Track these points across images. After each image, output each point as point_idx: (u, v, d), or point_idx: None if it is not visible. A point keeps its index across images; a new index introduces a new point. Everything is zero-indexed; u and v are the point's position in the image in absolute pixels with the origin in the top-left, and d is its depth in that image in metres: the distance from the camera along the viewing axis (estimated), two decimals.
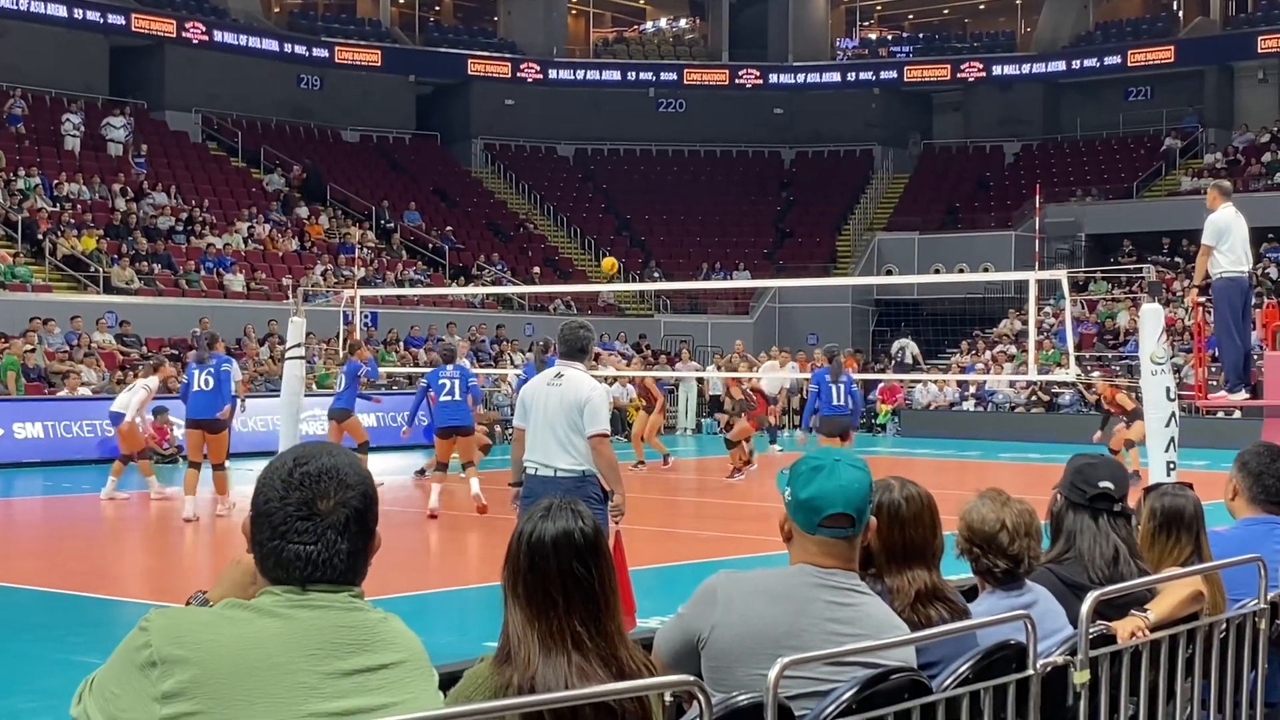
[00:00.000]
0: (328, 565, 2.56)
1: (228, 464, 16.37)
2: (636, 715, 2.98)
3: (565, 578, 3.12)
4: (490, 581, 11.51)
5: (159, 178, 36.97)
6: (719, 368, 33.07)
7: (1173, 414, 14.60)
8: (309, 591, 2.55)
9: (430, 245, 40.55)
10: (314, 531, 2.55)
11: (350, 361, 19.50)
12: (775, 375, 28.25)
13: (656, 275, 42.41)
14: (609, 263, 23.28)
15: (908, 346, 39.21)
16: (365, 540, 2.62)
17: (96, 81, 40.36)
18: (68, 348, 27.22)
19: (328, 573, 2.56)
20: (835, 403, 18.05)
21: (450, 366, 17.16)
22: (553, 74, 47.83)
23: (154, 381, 19.10)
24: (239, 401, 17.50)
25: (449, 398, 16.87)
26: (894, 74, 48.43)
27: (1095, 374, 21.44)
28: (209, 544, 14.61)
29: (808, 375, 31.61)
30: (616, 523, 8.58)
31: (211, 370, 16.04)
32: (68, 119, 37.01)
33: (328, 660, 2.48)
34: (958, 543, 4.28)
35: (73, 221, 32.54)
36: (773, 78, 48.61)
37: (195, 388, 16.06)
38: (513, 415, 9.73)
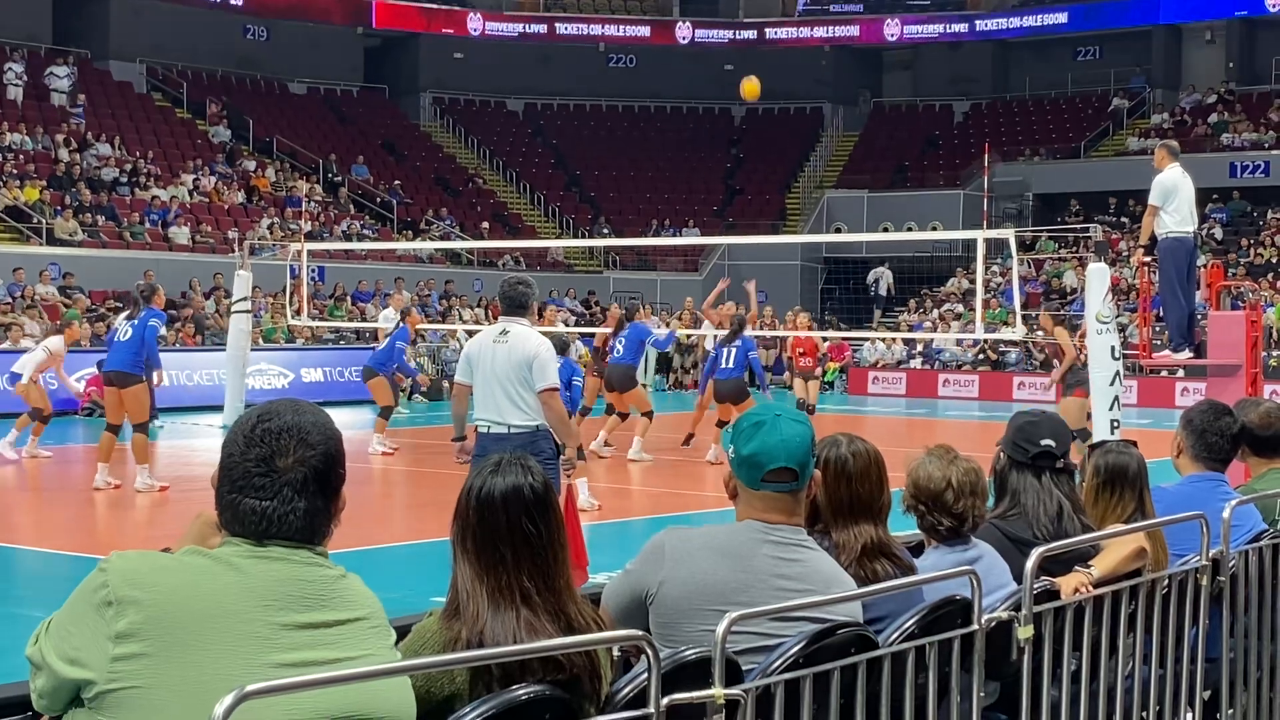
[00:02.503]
0: (283, 522, 2.55)
1: (156, 425, 15.84)
2: (585, 670, 2.99)
3: (514, 533, 3.12)
4: (438, 536, 11.51)
5: (103, 128, 36.49)
6: (667, 325, 33.11)
7: (1117, 373, 14.74)
8: (267, 545, 2.54)
9: (378, 199, 40.29)
10: (271, 488, 2.56)
11: (402, 327, 19.52)
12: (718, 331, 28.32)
13: (606, 231, 42.31)
14: (751, 88, 22.22)
15: (883, 276, 39.38)
16: (326, 499, 2.62)
17: (39, 30, 39.72)
18: (10, 299, 26.92)
19: (283, 529, 2.56)
20: (724, 365, 17.69)
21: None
22: (503, 28, 47.48)
23: (56, 342, 17.94)
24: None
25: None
26: (844, 31, 48.33)
27: (1037, 312, 21.39)
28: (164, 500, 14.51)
29: (761, 333, 31.88)
30: (569, 476, 8.59)
31: (136, 323, 14.43)
32: (10, 68, 36.42)
33: (283, 612, 2.49)
34: (904, 499, 4.32)
35: (15, 172, 32.11)
36: (723, 34, 48.44)
37: (116, 339, 14.74)
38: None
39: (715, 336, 25.95)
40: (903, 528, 4.40)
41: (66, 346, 18.22)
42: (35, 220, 30.63)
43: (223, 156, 38.64)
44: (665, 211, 44.80)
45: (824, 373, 34.45)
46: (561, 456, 8.61)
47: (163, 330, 16.96)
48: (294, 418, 2.61)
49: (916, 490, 4.28)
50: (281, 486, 2.56)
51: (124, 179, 34.56)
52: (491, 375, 8.56)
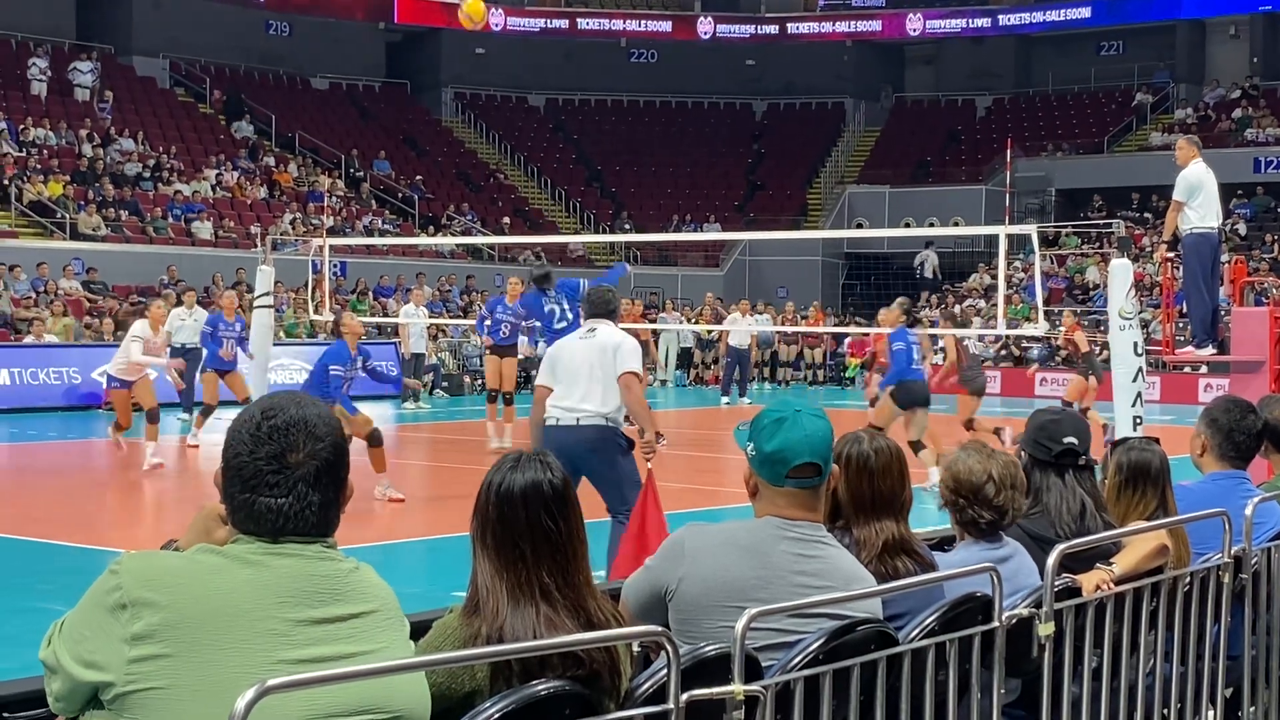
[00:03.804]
0: (299, 518, 2.55)
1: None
2: (605, 665, 2.99)
3: (534, 529, 3.12)
4: (457, 531, 11.53)
5: (126, 124, 36.63)
6: (689, 320, 33.13)
7: (1140, 369, 14.68)
8: (280, 541, 2.54)
9: (400, 195, 40.34)
10: (285, 485, 2.55)
11: (335, 343, 19.40)
12: (741, 327, 28.31)
13: (627, 227, 42.30)
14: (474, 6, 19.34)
15: (928, 259, 39.26)
16: (337, 491, 2.61)
17: (63, 25, 39.88)
18: (34, 294, 27.02)
19: (300, 525, 2.55)
20: (914, 366, 15.50)
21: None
22: (525, 23, 47.49)
23: (141, 326, 16.12)
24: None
25: None
26: (866, 26, 48.22)
27: (1064, 312, 21.39)
28: (176, 491, 14.57)
29: (782, 328, 31.86)
30: (649, 460, 8.40)
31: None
32: (34, 63, 36.59)
33: (298, 608, 2.49)
34: (941, 493, 4.30)
35: (39, 167, 32.26)
36: (745, 29, 48.39)
37: None
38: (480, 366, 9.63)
39: (750, 333, 25.73)
40: (923, 525, 4.39)
41: (156, 330, 16.19)
42: (59, 215, 30.74)
43: (245, 152, 38.74)
44: (686, 207, 44.78)
45: (845, 368, 34.50)
46: (642, 440, 8.53)
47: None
48: (298, 411, 2.59)
49: (957, 484, 4.24)
50: (295, 483, 2.55)
51: (147, 174, 34.68)
52: (574, 368, 8.55)
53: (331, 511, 2.60)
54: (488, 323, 18.05)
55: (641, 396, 8.69)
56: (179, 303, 22.19)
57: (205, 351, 18.74)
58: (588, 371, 8.50)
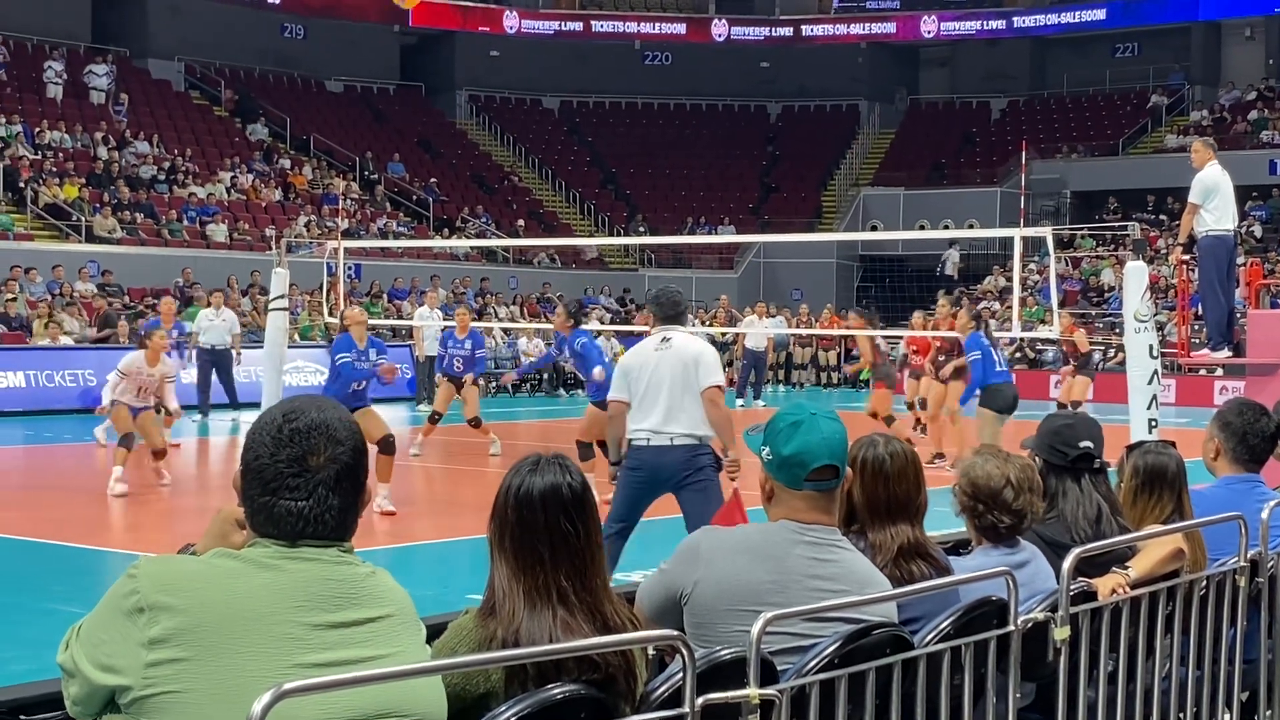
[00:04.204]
0: (319, 521, 2.56)
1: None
2: (621, 669, 2.99)
3: (552, 532, 3.11)
4: (471, 534, 11.53)
5: (141, 126, 36.73)
6: (703, 323, 33.11)
7: (1155, 371, 14.64)
8: (298, 545, 2.55)
9: (414, 197, 40.39)
10: (305, 488, 2.55)
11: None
12: (757, 329, 28.31)
13: (641, 229, 42.31)
14: None
15: (950, 257, 39.16)
16: (355, 495, 2.62)
17: (79, 29, 40.00)
18: (49, 297, 27.10)
19: (319, 529, 2.56)
20: (998, 369, 15.04)
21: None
22: (539, 26, 47.53)
23: (131, 360, 14.44)
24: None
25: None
26: (881, 28, 48.18)
27: (1061, 313, 21.40)
28: (195, 496, 14.59)
29: (798, 331, 31.85)
30: (734, 479, 8.02)
31: None
32: (50, 66, 36.72)
33: (314, 613, 2.49)
34: (958, 499, 4.28)
35: (54, 170, 32.35)
36: (759, 31, 48.37)
37: None
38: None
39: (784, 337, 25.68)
40: (938, 528, 4.39)
41: (151, 363, 14.36)
42: (74, 218, 30.83)
43: (260, 154, 38.82)
44: (701, 209, 44.77)
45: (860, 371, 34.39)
46: (725, 459, 8.23)
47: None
48: (319, 414, 2.60)
49: (975, 489, 4.21)
50: (316, 486, 2.55)
51: (162, 177, 34.77)
52: (654, 384, 8.18)
53: (350, 515, 2.61)
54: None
55: (728, 412, 8.43)
56: (186, 303, 22.26)
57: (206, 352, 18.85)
58: (669, 387, 8.15)
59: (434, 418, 17.77)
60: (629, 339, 27.42)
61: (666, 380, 8.16)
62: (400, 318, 30.00)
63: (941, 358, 17.46)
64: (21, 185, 31.10)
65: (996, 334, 17.49)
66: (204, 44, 41.57)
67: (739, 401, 27.71)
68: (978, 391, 14.95)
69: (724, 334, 31.56)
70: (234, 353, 21.91)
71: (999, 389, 14.66)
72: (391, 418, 21.02)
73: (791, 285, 40.42)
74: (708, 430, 8.20)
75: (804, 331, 31.81)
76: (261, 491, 2.56)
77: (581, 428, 14.37)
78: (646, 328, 19.72)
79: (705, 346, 8.46)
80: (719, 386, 8.24)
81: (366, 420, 12.40)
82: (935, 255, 40.32)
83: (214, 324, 21.93)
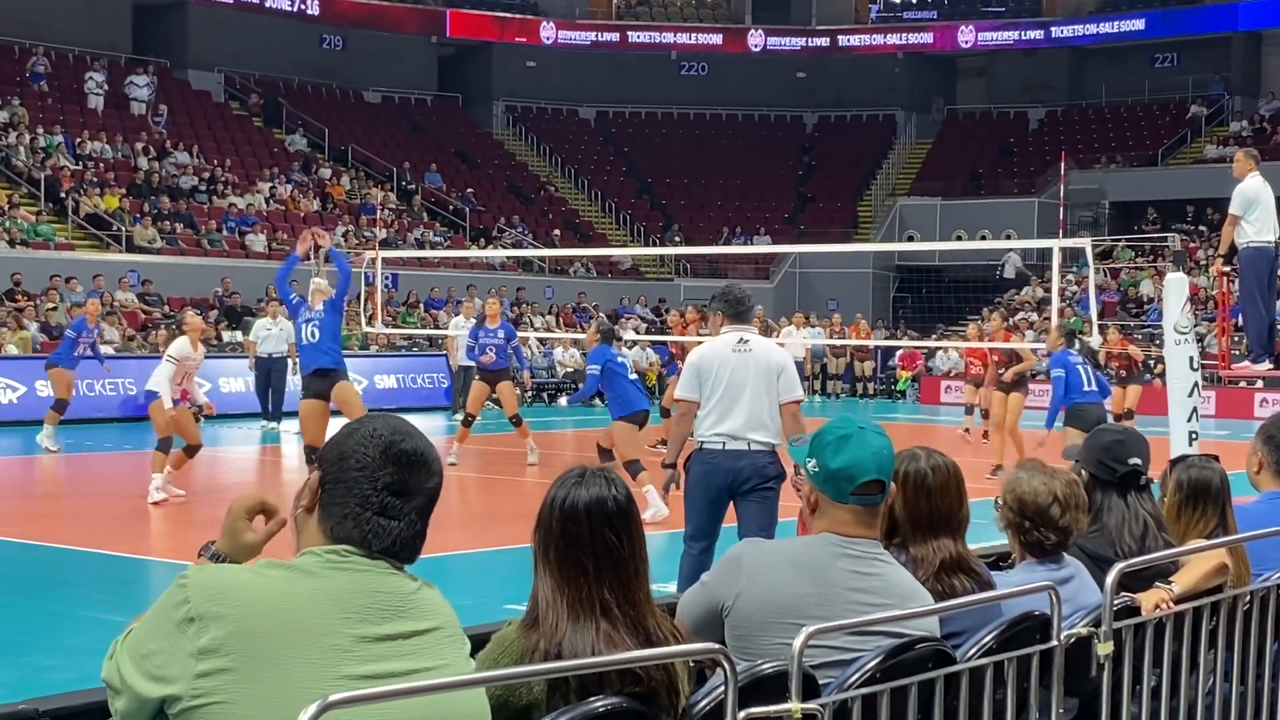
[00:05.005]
0: (406, 545, 2.63)
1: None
2: (663, 683, 2.98)
3: (597, 545, 3.12)
4: (509, 544, 11.55)
5: (181, 137, 36.98)
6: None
7: (1196, 384, 14.54)
8: (350, 556, 2.57)
9: (451, 207, 40.52)
10: (401, 510, 2.62)
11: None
12: (795, 340, 28.26)
13: (677, 239, 42.34)
14: None
15: (1010, 259, 38.97)
16: (427, 525, 2.69)
17: (120, 40, 40.32)
18: None
19: (404, 551, 2.63)
20: (1086, 388, 14.49)
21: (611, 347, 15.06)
22: (575, 36, 47.64)
23: (180, 346, 14.27)
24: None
25: (634, 377, 15.33)
26: (918, 38, 48.08)
27: (1109, 328, 21.32)
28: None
29: (833, 341, 31.78)
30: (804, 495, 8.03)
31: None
32: (91, 77, 37.01)
33: (362, 624, 2.51)
34: (1003, 514, 4.25)
35: (95, 180, 32.59)
36: (796, 41, 48.35)
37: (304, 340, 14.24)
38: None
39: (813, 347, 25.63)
40: (979, 540, 4.37)
41: (194, 346, 14.30)
42: (115, 228, 31.06)
43: (298, 165, 39.02)
44: (736, 219, 44.76)
45: (895, 381, 34.36)
46: (796, 474, 8.13)
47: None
48: (422, 443, 2.67)
49: (1021, 506, 4.18)
50: (410, 510, 2.62)
51: (202, 187, 34.98)
52: (735, 387, 7.99)
53: (422, 541, 2.68)
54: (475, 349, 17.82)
55: (806, 427, 8.10)
56: (225, 312, 22.39)
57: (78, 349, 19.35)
58: (751, 392, 7.98)
59: (468, 420, 17.66)
60: (662, 349, 27.44)
61: (749, 385, 7.99)
62: (436, 327, 30.08)
63: (1000, 370, 17.46)
64: (63, 195, 31.33)
65: (1034, 344, 17.39)
66: (243, 55, 41.84)
67: None
68: (1062, 409, 14.70)
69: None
70: (290, 361, 22.08)
71: (1083, 409, 14.29)
72: (426, 427, 21.11)
73: (827, 296, 40.34)
74: (779, 440, 8.03)
75: (841, 342, 31.74)
76: (359, 503, 2.60)
77: (611, 439, 14.49)
78: (683, 337, 19.57)
79: (787, 356, 8.39)
80: (800, 400, 8.20)
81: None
82: (972, 265, 40.13)
83: (271, 333, 22.22)
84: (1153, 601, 4.19)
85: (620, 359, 15.06)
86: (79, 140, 34.11)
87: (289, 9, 42.45)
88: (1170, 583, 4.30)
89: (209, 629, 2.42)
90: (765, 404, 7.99)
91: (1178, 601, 4.26)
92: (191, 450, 14.37)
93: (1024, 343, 15.33)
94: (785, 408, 8.04)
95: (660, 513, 12.17)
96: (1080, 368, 14.57)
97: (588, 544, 3.12)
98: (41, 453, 18.47)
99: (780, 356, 8.25)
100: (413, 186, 40.72)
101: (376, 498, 2.59)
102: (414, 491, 2.62)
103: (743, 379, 7.99)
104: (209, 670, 2.40)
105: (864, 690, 3.24)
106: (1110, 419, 14.44)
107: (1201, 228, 38.04)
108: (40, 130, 33.54)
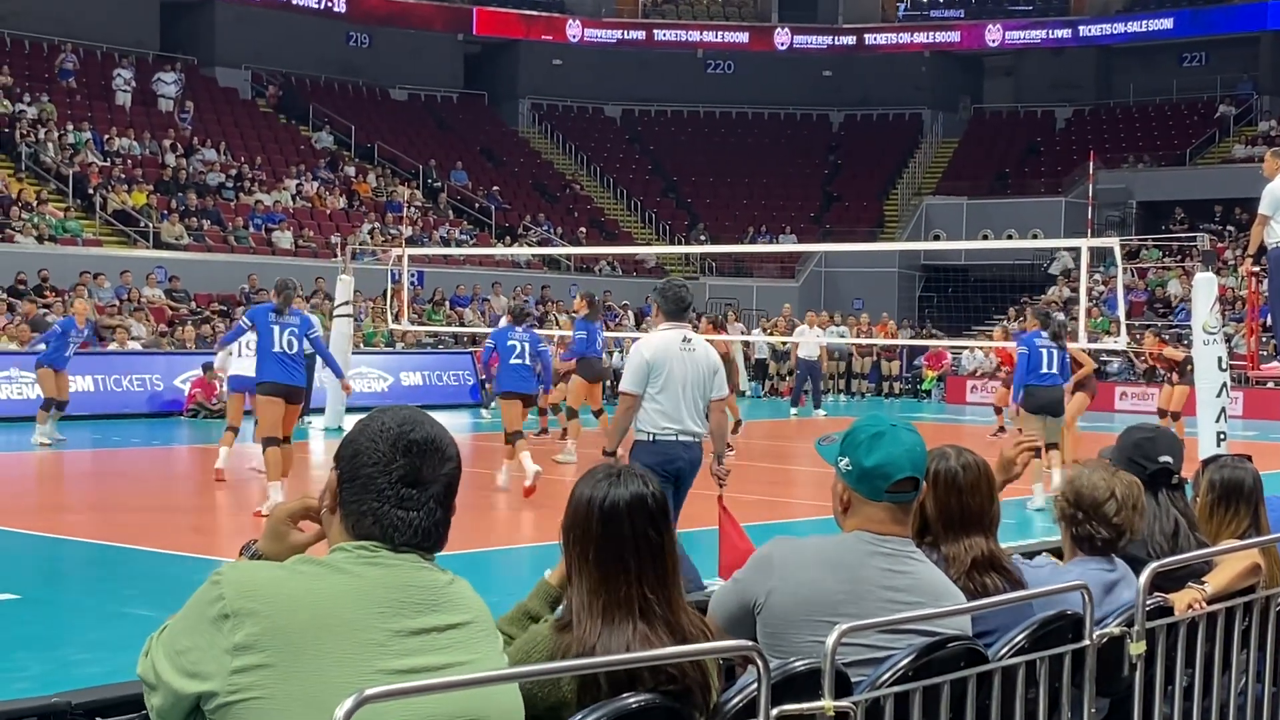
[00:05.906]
0: (427, 534, 2.60)
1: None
2: (697, 681, 2.98)
3: (639, 541, 3.11)
4: (532, 541, 11.56)
5: (208, 134, 37.12)
6: (765, 331, 33.07)
7: (1224, 384, 14.48)
8: (379, 550, 2.57)
9: (477, 205, 40.57)
10: (418, 500, 2.60)
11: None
12: (809, 339, 28.20)
13: (703, 238, 42.33)
14: None
15: (1060, 257, 38.90)
16: (451, 510, 2.67)
17: (147, 37, 40.50)
18: (117, 302, 27.41)
19: (425, 540, 2.60)
20: (1044, 370, 14.58)
21: (519, 328, 15.83)
22: (601, 34, 47.64)
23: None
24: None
25: (518, 361, 15.46)
26: (945, 37, 47.96)
27: (1145, 334, 21.37)
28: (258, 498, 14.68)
29: (857, 340, 31.74)
30: (723, 484, 8.74)
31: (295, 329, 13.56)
32: (119, 74, 37.18)
33: (396, 618, 2.51)
34: (1058, 505, 4.28)
35: (123, 176, 32.73)
36: (822, 40, 48.27)
37: (277, 348, 13.24)
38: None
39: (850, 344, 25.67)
40: (1010, 539, 4.36)
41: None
42: (142, 224, 31.19)
43: (325, 162, 39.13)
44: (762, 218, 44.71)
45: (921, 380, 34.29)
46: (721, 464, 8.92)
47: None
48: (433, 429, 2.64)
49: (1078, 498, 4.21)
50: (428, 499, 2.60)
51: (229, 184, 35.12)
52: (683, 383, 8.68)
53: (445, 529, 2.65)
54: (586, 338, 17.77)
55: (726, 421, 9.20)
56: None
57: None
58: (692, 389, 8.70)
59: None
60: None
61: (690, 382, 8.70)
62: (462, 325, 30.12)
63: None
64: (90, 191, 31.48)
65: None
66: (270, 52, 41.97)
67: (793, 411, 27.64)
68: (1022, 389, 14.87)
69: (784, 343, 31.48)
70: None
71: (1035, 391, 14.49)
72: (452, 424, 21.14)
73: (853, 295, 40.27)
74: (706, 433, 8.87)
75: (859, 341, 31.69)
76: (376, 499, 2.59)
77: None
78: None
79: (718, 356, 9.13)
80: (725, 398, 9.11)
81: None
82: (998, 265, 39.97)
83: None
84: (1185, 601, 4.17)
85: (511, 342, 15.53)
86: (107, 137, 34.27)
87: (316, 6, 42.58)
88: (1203, 583, 4.28)
89: (244, 625, 2.42)
90: (702, 401, 8.77)
91: (1210, 602, 4.24)
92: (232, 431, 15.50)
93: (1073, 345, 15.14)
94: (716, 402, 8.87)
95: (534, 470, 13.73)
96: (1044, 350, 14.67)
97: (630, 541, 3.10)
98: (55, 448, 18.51)
99: (715, 358, 8.96)
100: (439, 184, 40.79)
101: (392, 491, 2.58)
102: (429, 480, 2.60)
103: (686, 376, 8.70)
104: (244, 666, 2.41)
105: (897, 688, 3.24)
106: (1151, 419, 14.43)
107: (1229, 228, 37.86)
108: (69, 126, 33.72)
